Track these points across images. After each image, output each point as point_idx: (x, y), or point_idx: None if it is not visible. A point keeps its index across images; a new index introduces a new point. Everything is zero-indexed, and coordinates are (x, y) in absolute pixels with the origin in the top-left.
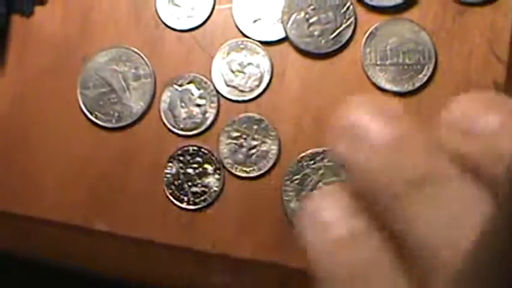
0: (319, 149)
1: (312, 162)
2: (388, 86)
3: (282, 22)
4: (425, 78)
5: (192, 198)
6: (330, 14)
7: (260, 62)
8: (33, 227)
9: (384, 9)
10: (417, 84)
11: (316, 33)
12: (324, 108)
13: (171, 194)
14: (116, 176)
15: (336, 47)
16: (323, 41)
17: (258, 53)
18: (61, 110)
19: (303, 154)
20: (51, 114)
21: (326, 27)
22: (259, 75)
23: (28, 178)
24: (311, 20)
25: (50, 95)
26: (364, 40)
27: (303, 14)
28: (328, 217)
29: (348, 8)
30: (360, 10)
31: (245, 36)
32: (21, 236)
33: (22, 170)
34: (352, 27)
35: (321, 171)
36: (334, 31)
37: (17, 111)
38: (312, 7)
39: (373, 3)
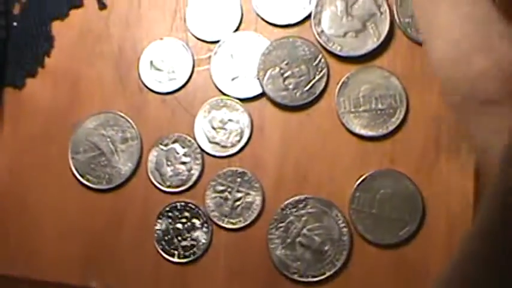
0: (302, 197)
1: (295, 209)
2: (363, 132)
3: (258, 78)
4: (398, 121)
5: (182, 252)
6: (303, 67)
7: (240, 118)
8: None
9: (354, 59)
10: (391, 128)
11: (291, 86)
12: (304, 157)
13: (161, 249)
14: (108, 235)
15: (311, 98)
16: (298, 94)
17: (237, 109)
18: (54, 175)
19: (286, 202)
20: (45, 180)
21: (300, 80)
22: (239, 130)
23: (25, 242)
24: (285, 75)
25: (43, 161)
26: (337, 89)
27: (277, 69)
28: None
29: (320, 60)
30: (331, 61)
31: (224, 94)
32: None
33: (20, 235)
34: (325, 78)
35: (304, 218)
36: (308, 83)
37: (12, 178)
38: (285, 62)
39: (343, 53)
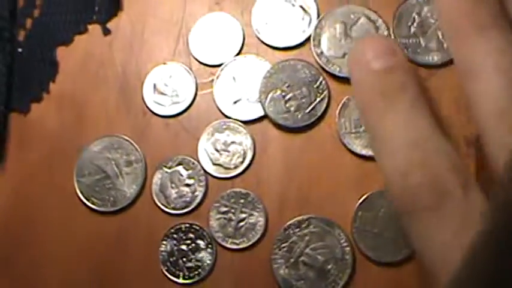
0: (305, 217)
1: (298, 229)
2: (364, 151)
3: (260, 101)
4: None
5: (187, 273)
6: (304, 89)
7: (242, 140)
8: None
9: None
10: None
11: (292, 108)
12: (306, 178)
13: (167, 270)
14: (114, 258)
15: (313, 119)
16: (300, 116)
17: (240, 132)
18: (60, 198)
19: (289, 223)
20: (50, 203)
21: (302, 102)
22: (242, 152)
23: (31, 265)
24: (287, 97)
25: (49, 185)
26: (338, 111)
27: (279, 91)
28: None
29: (321, 82)
30: (332, 83)
31: (227, 117)
32: None
33: (25, 258)
34: (326, 100)
35: (307, 238)
36: (310, 105)
37: (18, 202)
38: (286, 85)
39: (342, 74)
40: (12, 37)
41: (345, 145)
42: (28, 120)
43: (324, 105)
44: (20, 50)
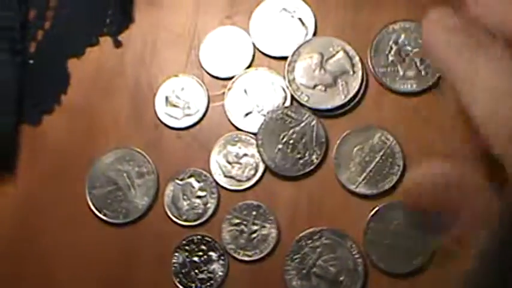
0: (316, 229)
1: (310, 241)
2: None
3: (274, 171)
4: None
5: (199, 285)
6: (297, 128)
7: (254, 152)
8: None
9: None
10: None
11: (301, 152)
12: (317, 189)
13: (179, 282)
14: (126, 270)
15: (324, 148)
16: (312, 152)
17: (251, 144)
18: (71, 210)
19: (301, 234)
20: (62, 215)
21: (304, 142)
22: (254, 164)
23: (41, 281)
24: (290, 146)
25: (60, 197)
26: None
27: (280, 146)
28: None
29: (305, 114)
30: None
31: (238, 129)
32: None
33: (36, 271)
34: (320, 123)
35: (319, 250)
36: (312, 137)
37: (28, 215)
38: (281, 137)
39: (309, 105)
40: (24, 49)
41: None
42: (40, 131)
43: (322, 129)
44: (31, 61)
